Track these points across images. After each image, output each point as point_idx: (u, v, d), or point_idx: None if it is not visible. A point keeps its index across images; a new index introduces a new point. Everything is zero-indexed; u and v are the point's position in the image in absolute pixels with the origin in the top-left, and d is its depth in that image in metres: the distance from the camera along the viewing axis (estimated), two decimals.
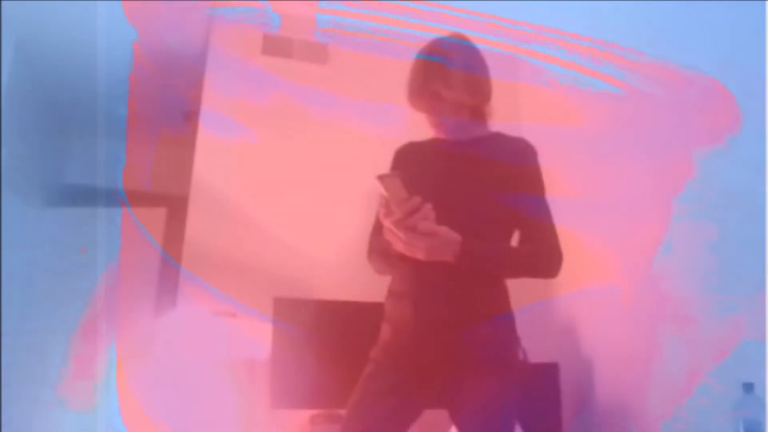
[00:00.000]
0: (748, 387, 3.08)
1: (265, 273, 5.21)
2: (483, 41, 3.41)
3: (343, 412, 3.06)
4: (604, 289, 4.83)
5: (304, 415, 4.73)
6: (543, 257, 3.09)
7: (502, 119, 3.40)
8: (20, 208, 6.46)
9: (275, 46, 5.89)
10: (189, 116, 6.44)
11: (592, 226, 4.86)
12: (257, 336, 4.70)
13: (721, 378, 3.57)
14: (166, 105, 6.92)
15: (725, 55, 3.85)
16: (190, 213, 5.35)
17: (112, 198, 7.09)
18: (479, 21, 5.32)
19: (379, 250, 3.15)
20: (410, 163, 3.30)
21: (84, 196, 7.35)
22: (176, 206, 6.42)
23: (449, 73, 3.13)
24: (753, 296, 3.40)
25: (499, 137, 3.30)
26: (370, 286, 3.58)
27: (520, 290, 3.23)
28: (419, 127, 3.35)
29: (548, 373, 4.88)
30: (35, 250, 6.82)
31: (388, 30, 5.69)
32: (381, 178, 2.72)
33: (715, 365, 3.66)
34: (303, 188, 5.57)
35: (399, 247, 2.87)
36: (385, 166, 3.31)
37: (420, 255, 2.85)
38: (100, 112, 7.16)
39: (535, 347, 4.69)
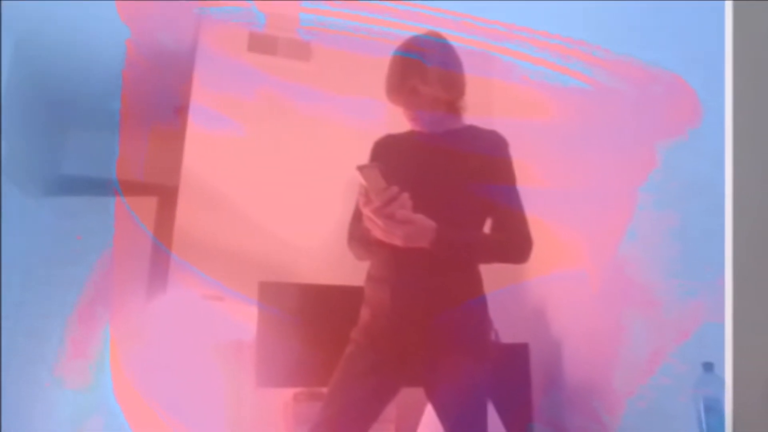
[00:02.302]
0: (708, 366, 3.07)
1: (251, 259, 5.22)
2: (457, 39, 3.40)
3: (324, 390, 3.05)
4: (572, 274, 4.83)
5: (288, 393, 4.74)
6: (514, 244, 3.10)
7: (475, 113, 3.39)
8: (19, 198, 6.42)
9: (261, 44, 5.87)
10: (179, 110, 6.40)
11: (560, 215, 4.86)
12: (243, 318, 4.71)
13: (682, 358, 3.57)
14: (158, 100, 6.89)
15: (687, 53, 3.84)
16: (180, 202, 5.35)
17: (106, 188, 7.07)
18: (454, 20, 5.31)
19: (358, 236, 3.15)
20: (388, 154, 3.29)
21: (80, 186, 7.34)
22: (167, 196, 6.39)
23: (425, 69, 3.13)
24: (713, 281, 3.40)
25: (472, 130, 3.29)
26: (351, 271, 3.57)
27: (492, 275, 3.22)
28: (397, 121, 3.33)
29: (519, 353, 4.89)
30: (33, 238, 6.79)
31: (368, 28, 5.68)
32: (361, 168, 2.71)
33: (677, 346, 3.66)
34: (287, 178, 5.57)
35: (378, 234, 2.86)
36: (364, 157, 3.30)
37: (397, 241, 2.84)
38: (95, 107, 7.13)
39: (506, 329, 4.73)
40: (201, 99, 5.60)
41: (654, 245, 4.00)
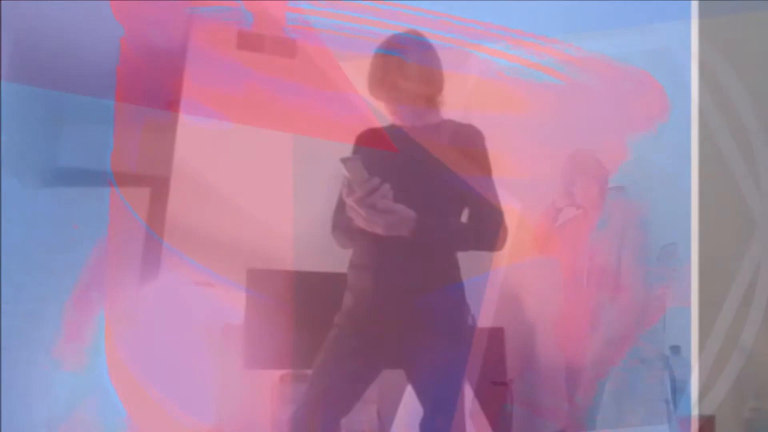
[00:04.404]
0: (675, 349, 3.08)
1: (239, 246, 5.20)
2: (436, 37, 3.38)
3: (309, 372, 3.03)
4: (545, 261, 4.82)
5: (275, 375, 4.73)
6: (490, 232, 3.08)
7: (453, 108, 3.37)
8: (18, 188, 6.38)
9: (249, 42, 5.85)
10: (171, 105, 6.38)
11: (534, 204, 4.85)
12: (232, 303, 4.70)
13: (651, 341, 3.57)
14: (150, 95, 6.86)
15: (656, 51, 3.83)
16: (171, 192, 5.33)
17: (101, 179, 7.04)
18: (433, 19, 5.30)
19: (342, 225, 3.13)
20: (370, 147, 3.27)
21: (76, 177, 7.30)
22: (159, 186, 6.36)
23: (406, 66, 3.11)
24: (679, 268, 3.39)
25: (450, 124, 3.27)
26: (334, 259, 3.55)
27: (469, 262, 3.20)
28: (378, 115, 3.31)
29: (495, 337, 4.87)
30: (32, 226, 6.74)
31: (351, 27, 5.66)
32: (344, 160, 2.71)
33: (645, 330, 3.66)
34: (274, 170, 5.55)
35: (360, 223, 2.85)
36: (347, 149, 3.27)
37: (379, 230, 2.83)
38: (91, 101, 7.10)
39: (483, 314, 4.70)
40: (192, 94, 5.57)
41: (623, 233, 3.99)
